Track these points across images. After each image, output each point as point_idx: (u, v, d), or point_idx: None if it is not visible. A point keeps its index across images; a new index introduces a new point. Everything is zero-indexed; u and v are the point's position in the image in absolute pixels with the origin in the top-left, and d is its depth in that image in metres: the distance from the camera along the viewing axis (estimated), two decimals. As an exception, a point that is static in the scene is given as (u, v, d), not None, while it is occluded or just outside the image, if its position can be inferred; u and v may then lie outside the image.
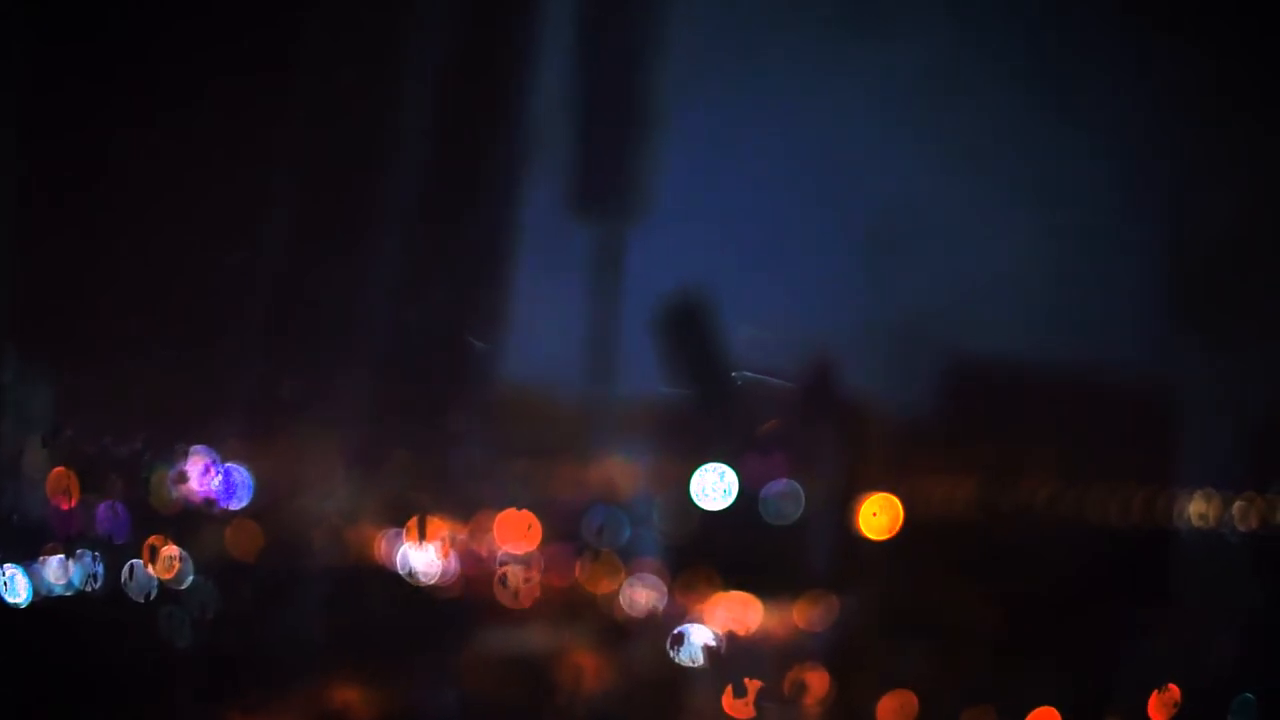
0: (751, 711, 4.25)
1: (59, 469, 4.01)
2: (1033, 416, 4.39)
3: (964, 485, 4.40)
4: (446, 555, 4.22)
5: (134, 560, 4.03)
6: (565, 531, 4.28)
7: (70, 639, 3.93)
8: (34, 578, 3.99)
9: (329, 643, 4.04)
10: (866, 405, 4.38)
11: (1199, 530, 4.44)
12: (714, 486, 4.28)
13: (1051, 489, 4.44)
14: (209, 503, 4.09)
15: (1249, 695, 4.21)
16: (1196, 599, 4.35)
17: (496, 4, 4.20)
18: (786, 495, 4.30)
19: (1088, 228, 4.28)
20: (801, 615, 4.33)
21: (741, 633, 4.33)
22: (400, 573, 4.22)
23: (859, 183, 4.18)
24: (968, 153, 4.18)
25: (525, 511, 4.23)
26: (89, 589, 4.01)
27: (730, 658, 4.29)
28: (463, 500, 4.23)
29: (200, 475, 4.07)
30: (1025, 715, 4.26)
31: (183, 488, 4.08)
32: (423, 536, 4.21)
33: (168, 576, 4.05)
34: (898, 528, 4.32)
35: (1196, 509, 4.44)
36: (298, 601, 4.03)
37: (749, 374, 4.22)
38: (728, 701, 4.24)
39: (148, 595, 4.02)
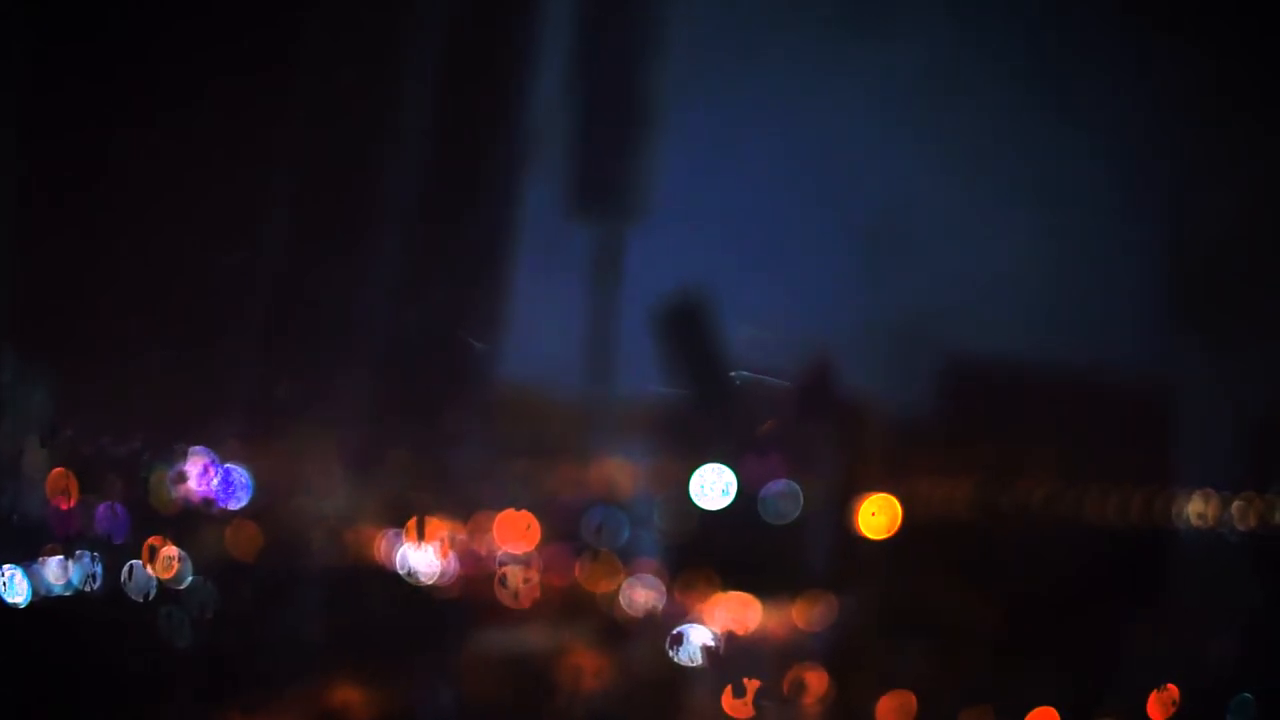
0: (750, 711, 4.25)
1: (58, 469, 4.02)
2: (1033, 416, 4.39)
3: (963, 485, 4.40)
4: (446, 555, 4.23)
5: (133, 560, 4.04)
6: (565, 531, 4.28)
7: (70, 639, 3.93)
8: (33, 578, 3.99)
9: (329, 643, 4.04)
10: (866, 405, 4.38)
11: (1198, 530, 4.44)
12: (713, 486, 4.28)
13: (1051, 489, 4.44)
14: (208, 503, 4.10)
15: (1247, 695, 4.21)
16: (1196, 599, 4.35)
17: (496, 4, 4.20)
18: (785, 495, 4.31)
19: (1088, 228, 4.28)
20: (800, 615, 4.33)
21: (740, 632, 4.34)
22: (400, 573, 4.22)
23: (859, 183, 4.18)
24: (968, 153, 4.18)
25: (524, 512, 4.24)
26: (88, 589, 4.02)
27: (729, 657, 4.29)
28: (462, 500, 4.23)
29: (199, 475, 4.08)
30: (1024, 715, 4.26)
31: (182, 488, 4.08)
32: (422, 536, 4.21)
33: (167, 576, 4.05)
34: (896, 528, 4.32)
35: (1196, 509, 4.44)
36: (297, 601, 4.03)
37: (748, 374, 4.22)
38: (727, 701, 4.25)
39: (147, 595, 4.03)
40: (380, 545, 4.23)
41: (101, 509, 4.06)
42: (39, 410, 4.00)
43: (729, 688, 4.25)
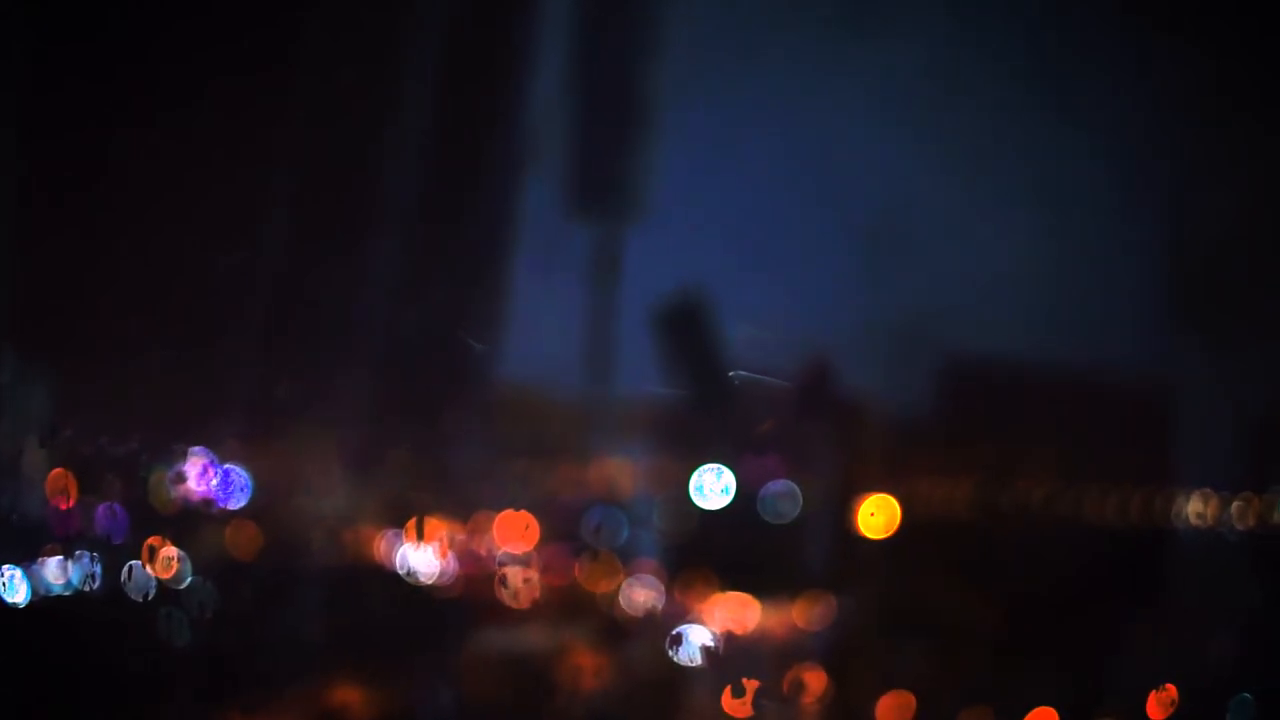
0: (750, 711, 4.25)
1: (58, 469, 4.02)
2: (1032, 416, 4.39)
3: (963, 485, 4.40)
4: (445, 555, 4.23)
5: (133, 561, 4.04)
6: (564, 531, 4.28)
7: (69, 639, 3.94)
8: (33, 578, 4.00)
9: (328, 643, 4.04)
10: (865, 405, 4.38)
11: (1198, 530, 4.44)
12: (712, 486, 4.28)
13: (1050, 489, 4.44)
14: (208, 503, 4.10)
15: (1247, 695, 4.21)
16: (1195, 599, 4.35)
17: (496, 4, 4.20)
18: (785, 495, 4.31)
19: (1088, 228, 4.27)
20: (800, 615, 4.33)
21: (740, 632, 4.33)
22: (399, 573, 4.23)
23: (859, 183, 4.17)
24: (968, 153, 4.18)
25: (523, 512, 4.24)
26: (88, 589, 4.02)
27: (728, 657, 4.29)
28: (462, 500, 4.23)
29: (199, 476, 4.08)
30: (1024, 715, 4.26)
31: (181, 488, 4.09)
32: (421, 536, 4.22)
33: (166, 576, 4.06)
34: (896, 528, 4.32)
35: (1195, 509, 4.44)
36: (297, 601, 4.04)
37: (747, 374, 4.22)
38: (726, 701, 4.25)
39: (146, 595, 4.03)
40: (380, 545, 4.23)
41: (101, 509, 4.06)
42: (39, 410, 4.01)
43: (728, 688, 4.25)
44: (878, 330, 4.19)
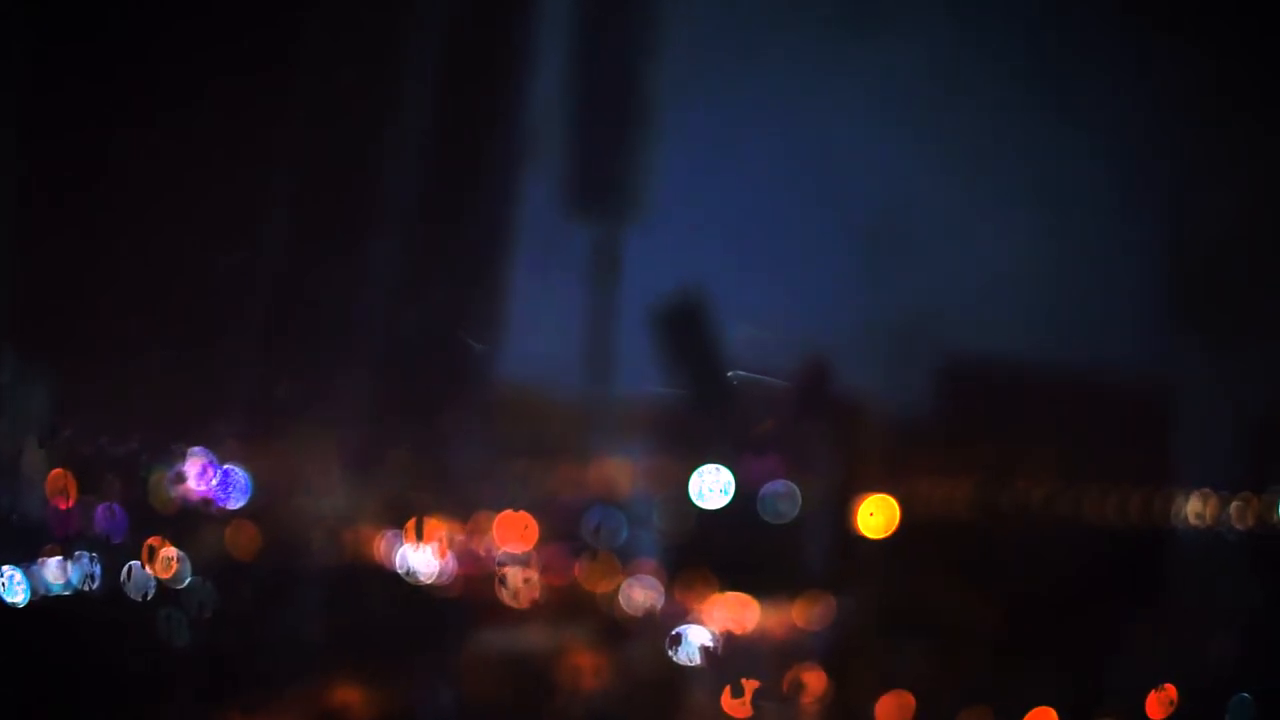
0: (749, 711, 4.25)
1: (57, 470, 4.02)
2: (1032, 416, 4.39)
3: (963, 485, 4.40)
4: (444, 555, 4.23)
5: (132, 561, 4.04)
6: (564, 531, 4.28)
7: (69, 639, 3.94)
8: (32, 578, 4.00)
9: (328, 643, 4.04)
10: (864, 405, 4.38)
11: (1197, 530, 4.44)
12: (712, 486, 4.28)
13: (1050, 489, 4.44)
14: (207, 503, 4.10)
15: (1246, 695, 4.21)
16: (1194, 599, 4.35)
17: (496, 4, 4.20)
18: (784, 495, 4.31)
19: (1088, 228, 4.27)
20: (799, 615, 4.33)
21: (739, 632, 4.34)
22: (399, 572, 4.23)
23: (859, 183, 4.17)
24: (968, 153, 4.18)
25: (523, 512, 4.24)
26: (87, 589, 4.02)
27: (728, 657, 4.29)
28: (461, 500, 4.23)
29: (199, 476, 4.08)
30: (1023, 715, 4.26)
31: (181, 488, 4.09)
32: (420, 536, 4.22)
33: (166, 576, 4.06)
34: (895, 528, 4.32)
35: (1195, 509, 4.44)
36: (296, 601, 4.04)
37: (746, 374, 4.22)
38: (725, 701, 4.25)
39: (146, 595, 4.04)
40: (379, 545, 4.23)
41: (100, 509, 4.06)
42: (38, 410, 4.01)
43: (728, 688, 4.25)
44: (878, 330, 4.19)
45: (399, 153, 4.08)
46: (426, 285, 4.11)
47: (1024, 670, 4.29)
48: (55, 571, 4.02)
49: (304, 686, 4.05)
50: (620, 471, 4.30)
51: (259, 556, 4.10)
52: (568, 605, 4.30)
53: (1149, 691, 4.26)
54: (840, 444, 4.35)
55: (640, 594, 4.30)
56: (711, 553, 4.33)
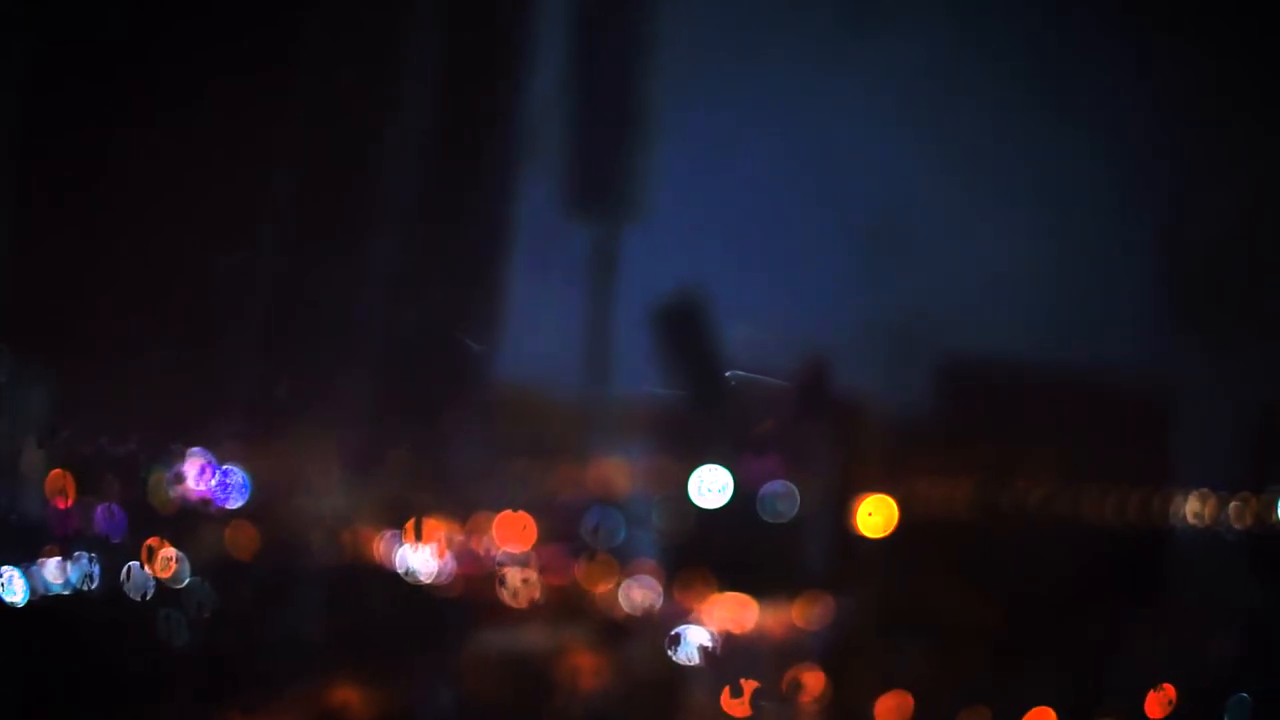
0: (748, 711, 4.26)
1: (56, 470, 4.03)
2: (1032, 416, 4.39)
3: (963, 485, 4.40)
4: (443, 555, 4.23)
5: (131, 561, 4.05)
6: (563, 531, 4.29)
7: (68, 639, 3.94)
8: (31, 578, 4.00)
9: (327, 643, 4.05)
10: (864, 405, 4.38)
11: (1197, 530, 4.44)
12: (711, 486, 4.29)
13: (1050, 489, 4.44)
14: (206, 503, 4.11)
15: (1244, 695, 4.21)
16: (1193, 599, 4.35)
17: (495, 4, 4.20)
18: (783, 495, 4.31)
19: (1088, 228, 4.27)
20: (798, 615, 4.34)
21: (738, 632, 4.34)
22: (398, 572, 4.23)
23: (859, 183, 4.17)
24: (968, 153, 4.18)
25: (522, 512, 4.24)
26: (86, 589, 4.03)
27: (727, 657, 4.29)
28: (460, 500, 4.24)
29: (198, 476, 4.09)
30: (1022, 715, 4.26)
31: (180, 488, 4.09)
32: (419, 536, 4.22)
33: (165, 577, 4.06)
34: (893, 527, 4.32)
35: (1194, 509, 4.44)
36: (296, 601, 4.04)
37: (745, 374, 4.22)
38: (725, 701, 4.25)
39: (145, 595, 4.04)
40: (379, 545, 4.23)
41: (100, 509, 4.07)
42: (38, 410, 4.01)
43: (727, 688, 4.25)
44: (878, 330, 4.19)
45: (399, 153, 4.08)
46: (426, 285, 4.11)
47: (1023, 670, 4.29)
48: (54, 572, 4.02)
49: (303, 686, 4.06)
50: (619, 471, 4.31)
51: (258, 556, 4.11)
52: (567, 605, 4.30)
53: (1148, 691, 4.26)
54: (840, 444, 4.36)
55: (639, 594, 4.30)
56: (710, 553, 4.33)
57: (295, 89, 3.97)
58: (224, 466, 4.09)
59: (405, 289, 4.06)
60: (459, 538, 4.24)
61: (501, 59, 4.16)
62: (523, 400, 4.26)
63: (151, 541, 4.06)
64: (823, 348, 4.27)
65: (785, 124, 4.20)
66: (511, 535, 4.25)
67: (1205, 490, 4.42)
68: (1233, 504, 4.43)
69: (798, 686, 4.29)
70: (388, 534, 4.23)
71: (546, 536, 4.28)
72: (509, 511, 4.24)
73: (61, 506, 4.04)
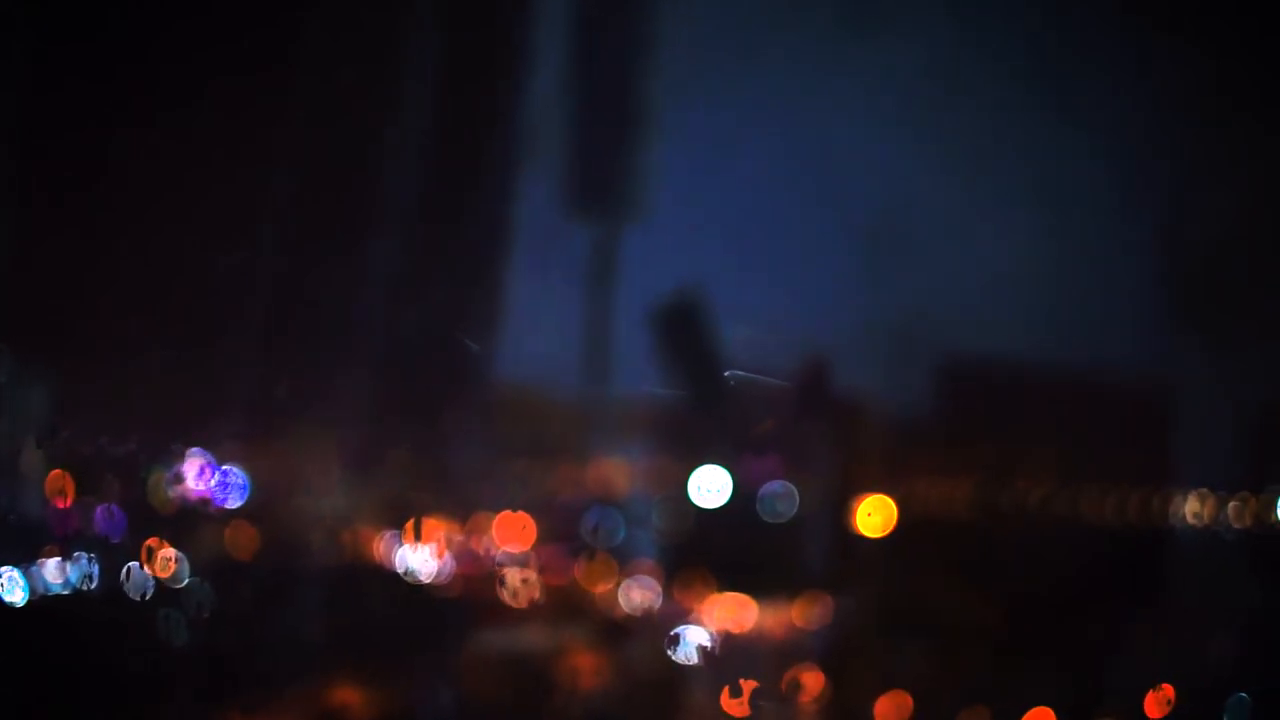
0: (747, 710, 4.26)
1: (56, 470, 4.03)
2: (1032, 416, 4.39)
3: (963, 485, 4.40)
4: (443, 555, 4.24)
5: (131, 561, 4.05)
6: (562, 531, 4.29)
7: (68, 639, 3.94)
8: (31, 578, 4.00)
9: (327, 643, 4.05)
10: (863, 405, 4.38)
11: (1196, 530, 4.44)
12: (710, 486, 4.29)
13: (1050, 489, 4.44)
14: (206, 503, 4.11)
15: (1244, 694, 4.21)
16: (1193, 599, 4.35)
17: (495, 4, 4.20)
18: (782, 495, 4.31)
19: (1088, 228, 4.27)
20: (797, 615, 4.34)
21: (737, 632, 4.34)
22: (398, 572, 4.23)
23: (859, 183, 4.17)
24: (968, 153, 4.17)
25: (521, 512, 4.24)
26: (86, 589, 4.03)
27: (726, 657, 4.29)
28: (460, 500, 4.24)
29: (197, 476, 4.09)
30: (1022, 715, 4.26)
31: (180, 488, 4.09)
32: (419, 537, 4.22)
33: (165, 577, 4.06)
34: (893, 527, 4.32)
35: (1194, 509, 4.44)
36: (295, 601, 4.04)
37: (745, 374, 4.22)
38: (724, 701, 4.25)
39: (144, 595, 4.04)
40: (378, 545, 4.24)
41: (99, 510, 4.07)
42: (38, 410, 4.01)
43: (726, 688, 4.25)
44: (878, 330, 4.19)
45: (399, 153, 4.08)
46: (426, 285, 4.11)
47: (1023, 670, 4.29)
48: (54, 572, 4.03)
49: (303, 686, 4.06)
50: (619, 472, 4.31)
51: (258, 556, 4.11)
52: (567, 605, 4.30)
53: (1147, 691, 4.26)
54: (839, 444, 4.36)
55: (639, 594, 4.30)
56: (710, 553, 4.33)
57: (295, 89, 3.97)
58: (224, 466, 4.10)
59: (405, 289, 4.06)
60: (459, 538, 4.25)
61: (501, 59, 4.16)
62: (523, 400, 4.26)
63: (151, 542, 4.06)
64: (823, 348, 4.27)
65: (785, 124, 4.20)
66: (511, 535, 4.25)
67: (1205, 490, 4.42)
68: (1232, 504, 4.42)
69: (797, 686, 4.30)
70: (387, 534, 4.23)
71: (546, 536, 4.28)
72: (509, 511, 4.24)
73: (61, 506, 4.05)
